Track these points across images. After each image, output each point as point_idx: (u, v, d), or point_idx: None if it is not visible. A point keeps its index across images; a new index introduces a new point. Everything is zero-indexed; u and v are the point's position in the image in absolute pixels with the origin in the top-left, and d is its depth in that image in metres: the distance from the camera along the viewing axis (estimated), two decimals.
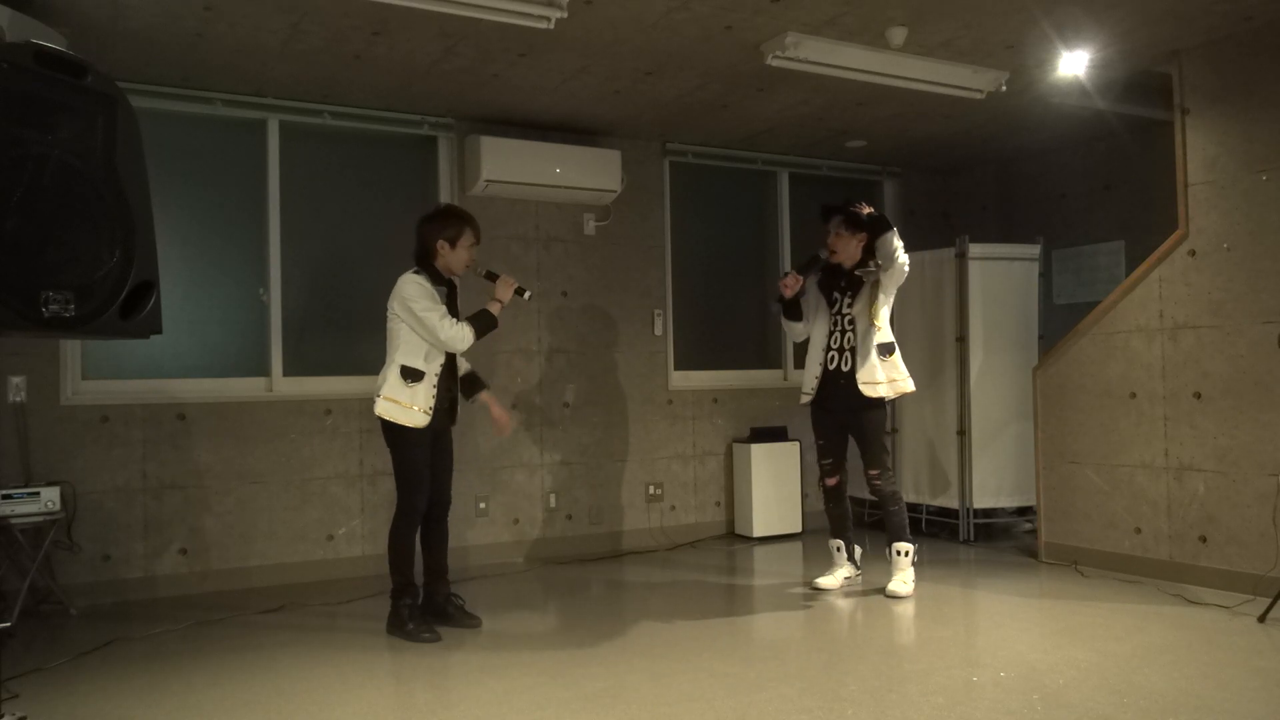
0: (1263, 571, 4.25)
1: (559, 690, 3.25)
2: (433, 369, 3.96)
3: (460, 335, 3.92)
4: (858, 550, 4.84)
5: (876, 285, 4.56)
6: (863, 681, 3.26)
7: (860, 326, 4.58)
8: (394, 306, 3.97)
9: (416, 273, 4.00)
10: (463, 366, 4.24)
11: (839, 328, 4.64)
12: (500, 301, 4.07)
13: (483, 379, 4.34)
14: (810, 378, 4.71)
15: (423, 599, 4.13)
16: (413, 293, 3.91)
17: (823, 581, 4.75)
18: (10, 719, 2.85)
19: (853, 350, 4.58)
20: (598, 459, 5.96)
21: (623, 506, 6.02)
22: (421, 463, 3.98)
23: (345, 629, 4.16)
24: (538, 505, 5.76)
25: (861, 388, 4.51)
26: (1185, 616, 4.04)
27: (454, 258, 4.03)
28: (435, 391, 3.96)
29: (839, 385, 4.60)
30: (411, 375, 3.92)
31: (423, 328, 3.91)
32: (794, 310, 4.67)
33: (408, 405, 3.91)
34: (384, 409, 3.91)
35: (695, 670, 3.43)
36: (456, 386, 4.16)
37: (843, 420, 4.66)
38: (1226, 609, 4.11)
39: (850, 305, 4.61)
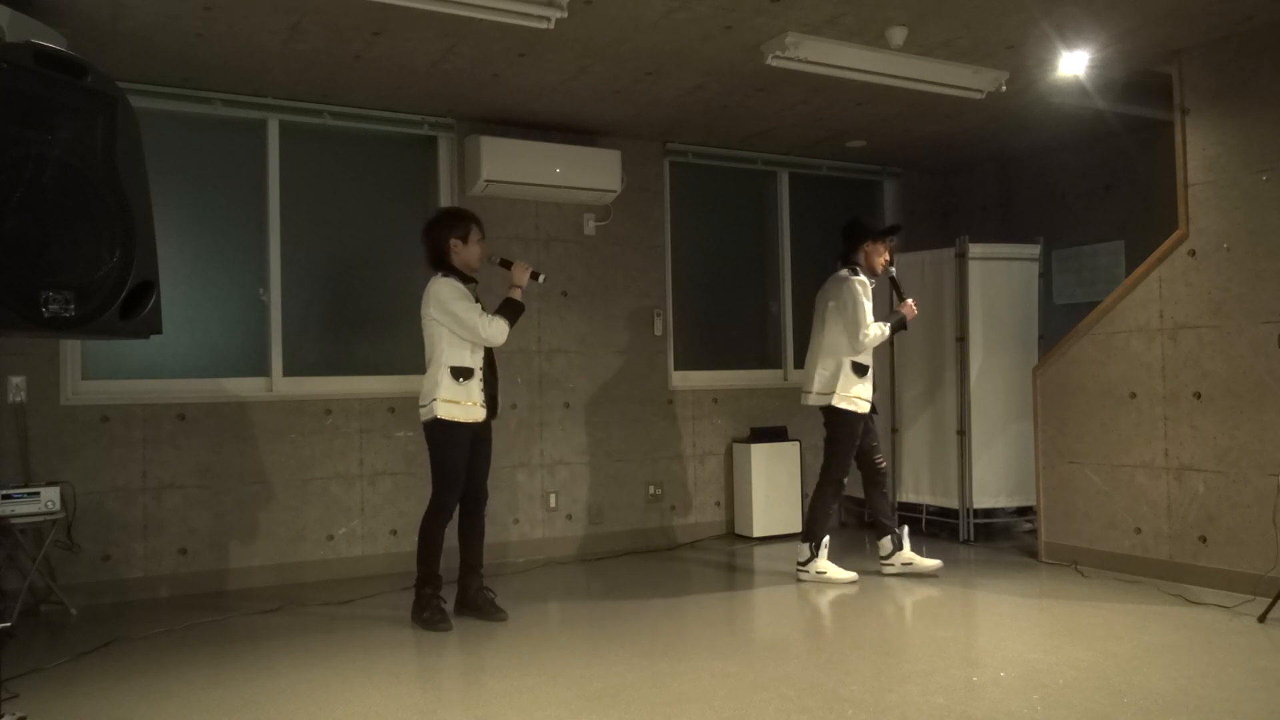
0: (1263, 571, 4.25)
1: (559, 690, 3.25)
2: (477, 367, 4.12)
3: (499, 330, 4.08)
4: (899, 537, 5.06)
5: None
6: (863, 681, 3.26)
7: None
8: (430, 312, 4.09)
9: (445, 275, 4.13)
10: None
11: None
12: (520, 287, 4.20)
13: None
14: (870, 390, 4.93)
15: (457, 590, 4.28)
16: (449, 294, 4.06)
17: (921, 564, 4.99)
18: (10, 719, 2.85)
19: None
20: (598, 459, 5.96)
21: (623, 506, 6.02)
22: (460, 463, 4.12)
23: (345, 629, 4.16)
24: (538, 505, 5.76)
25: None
26: (1185, 616, 4.04)
27: (468, 253, 4.16)
28: (482, 386, 4.13)
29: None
30: (463, 374, 4.07)
31: (463, 328, 4.05)
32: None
33: (466, 402, 4.08)
34: (446, 411, 4.05)
35: (695, 670, 3.43)
36: (496, 383, 4.28)
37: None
38: (1226, 609, 4.11)
39: None
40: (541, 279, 4.24)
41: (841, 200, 7.09)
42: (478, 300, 4.16)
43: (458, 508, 4.21)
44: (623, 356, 6.08)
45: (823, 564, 4.85)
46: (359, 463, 5.31)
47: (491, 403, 4.23)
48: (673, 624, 4.13)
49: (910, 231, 7.24)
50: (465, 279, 4.16)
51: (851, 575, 4.83)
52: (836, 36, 4.40)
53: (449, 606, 4.21)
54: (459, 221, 4.18)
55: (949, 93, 4.92)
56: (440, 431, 4.08)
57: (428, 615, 4.09)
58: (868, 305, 4.79)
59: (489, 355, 4.21)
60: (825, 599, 4.58)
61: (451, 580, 4.33)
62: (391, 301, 5.57)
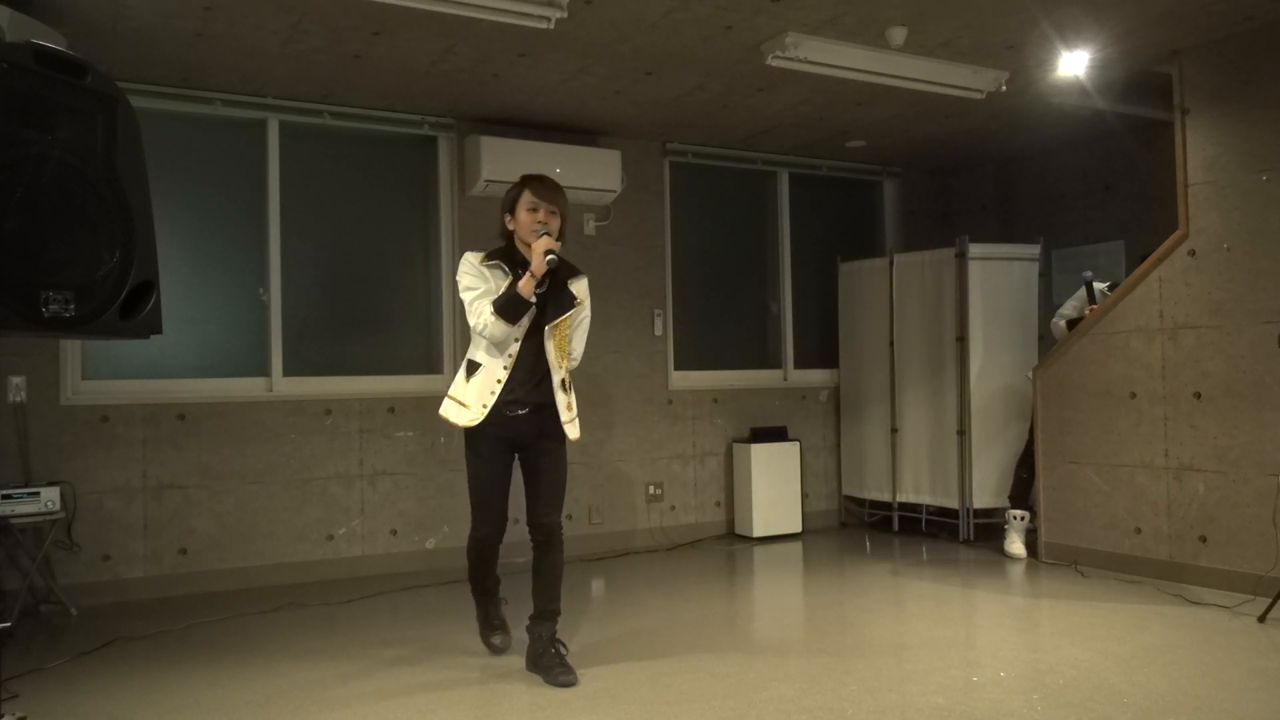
0: (1263, 571, 4.25)
1: (559, 690, 3.24)
2: (496, 364, 3.36)
3: (481, 320, 3.29)
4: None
5: None
6: (863, 681, 3.26)
7: None
8: None
9: (473, 250, 3.46)
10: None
11: None
12: (533, 275, 3.24)
13: None
14: None
15: (528, 642, 3.51)
16: (460, 271, 3.42)
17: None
18: (10, 719, 2.85)
19: None
20: (598, 459, 5.96)
21: (622, 506, 6.02)
22: (483, 476, 3.44)
23: (345, 629, 4.16)
24: None
25: None
26: (1185, 616, 4.04)
27: (520, 225, 3.38)
28: (498, 389, 3.34)
29: None
30: (470, 368, 3.43)
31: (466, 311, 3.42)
32: None
33: (460, 401, 3.40)
34: (444, 408, 3.45)
35: (695, 670, 3.43)
36: (547, 391, 3.40)
37: None
38: (1226, 609, 4.11)
39: None
40: (549, 259, 3.22)
41: (841, 200, 7.10)
42: (519, 284, 3.27)
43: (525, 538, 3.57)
44: (623, 356, 6.08)
45: (1012, 536, 5.44)
46: (359, 463, 5.31)
47: (537, 414, 3.40)
48: (673, 624, 4.13)
49: (910, 231, 7.24)
50: (511, 260, 3.38)
51: (1022, 552, 5.40)
52: (836, 36, 4.40)
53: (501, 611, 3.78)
54: (512, 188, 3.45)
55: (949, 93, 4.92)
56: (464, 437, 3.49)
57: (480, 628, 3.75)
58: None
59: (534, 350, 3.39)
60: (824, 599, 4.58)
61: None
62: (391, 301, 5.57)
